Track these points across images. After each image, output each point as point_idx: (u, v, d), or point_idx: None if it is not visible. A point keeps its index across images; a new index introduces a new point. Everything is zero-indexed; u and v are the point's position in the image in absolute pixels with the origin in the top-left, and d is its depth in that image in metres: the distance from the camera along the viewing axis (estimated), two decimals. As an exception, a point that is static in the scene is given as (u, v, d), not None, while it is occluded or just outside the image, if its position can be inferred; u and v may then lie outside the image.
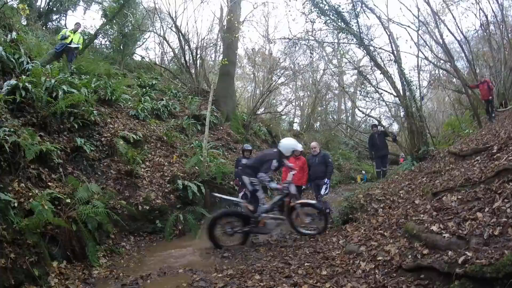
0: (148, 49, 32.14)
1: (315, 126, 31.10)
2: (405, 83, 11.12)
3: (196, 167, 10.42)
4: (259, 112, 22.27)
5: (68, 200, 6.17)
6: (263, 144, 18.83)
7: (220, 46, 22.02)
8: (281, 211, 7.19)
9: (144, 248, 7.47)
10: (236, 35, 18.77)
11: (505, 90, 17.87)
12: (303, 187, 9.39)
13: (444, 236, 4.06)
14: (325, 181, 8.90)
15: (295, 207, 7.12)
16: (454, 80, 20.83)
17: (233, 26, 18.62)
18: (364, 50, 12.95)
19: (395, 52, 12.23)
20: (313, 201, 7.57)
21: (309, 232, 7.27)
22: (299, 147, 7.42)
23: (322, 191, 8.84)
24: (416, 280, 3.79)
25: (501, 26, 19.17)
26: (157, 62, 23.70)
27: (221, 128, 16.04)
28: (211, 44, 22.70)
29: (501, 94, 17.80)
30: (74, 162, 7.77)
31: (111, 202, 7.50)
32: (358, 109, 28.90)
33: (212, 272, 5.40)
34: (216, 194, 8.05)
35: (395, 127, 26.50)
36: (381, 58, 12.56)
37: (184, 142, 12.45)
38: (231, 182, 10.85)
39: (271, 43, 27.12)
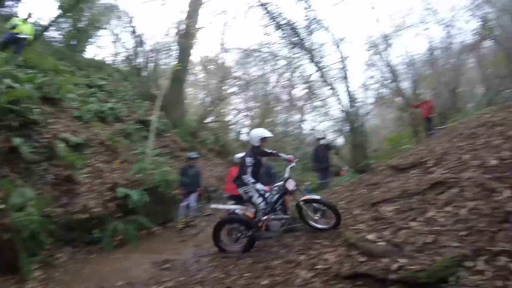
0: (101, 47, 30.94)
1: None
2: (350, 99, 11.52)
3: (139, 175, 10.02)
4: (208, 121, 22.11)
5: (3, 206, 5.74)
6: (210, 153, 18.62)
7: (174, 51, 21.65)
8: (284, 210, 6.86)
9: (81, 260, 7.07)
10: (192, 41, 18.54)
11: (445, 110, 19.13)
12: None
13: (380, 244, 4.20)
14: (269, 192, 8.91)
15: (300, 205, 6.64)
16: (398, 98, 21.88)
17: (190, 31, 18.37)
18: (315, 66, 13.28)
19: (344, 69, 12.65)
20: (318, 196, 7.26)
21: (324, 226, 6.53)
22: (267, 133, 7.16)
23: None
24: (354, 287, 3.86)
25: (445, 51, 20.71)
26: (109, 62, 22.85)
27: (168, 135, 15.60)
28: (166, 48, 22.28)
29: (441, 114, 19.10)
30: (9, 164, 7.23)
31: (47, 209, 7.04)
32: (305, 122, 29.50)
33: (152, 284, 5.23)
34: (212, 206, 7.76)
35: (340, 141, 27.25)
36: (331, 75, 12.95)
37: (128, 148, 11.98)
38: (175, 191, 10.55)
39: (226, 52, 27.18)
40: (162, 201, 9.64)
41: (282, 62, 20.73)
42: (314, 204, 6.67)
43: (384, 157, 15.68)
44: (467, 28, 22.22)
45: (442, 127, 15.46)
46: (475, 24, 21.62)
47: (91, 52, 21.79)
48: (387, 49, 20.14)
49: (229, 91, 25.09)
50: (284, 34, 12.86)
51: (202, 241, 8.31)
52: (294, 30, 12.65)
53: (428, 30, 21.51)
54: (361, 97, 22.55)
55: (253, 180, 6.53)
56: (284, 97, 28.78)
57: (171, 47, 21.43)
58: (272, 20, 12.80)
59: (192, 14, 18.82)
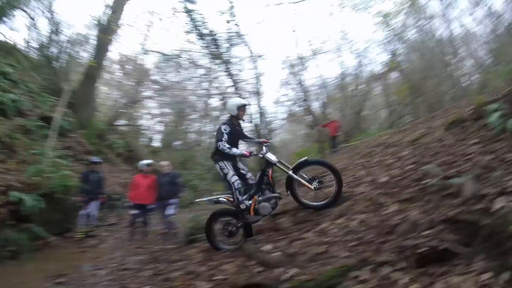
0: (14, 30, 27.81)
1: (176, 145, 30.80)
2: (261, 114, 11.83)
3: (37, 178, 9.02)
4: (118, 123, 21.18)
5: None
6: (117, 158, 17.77)
7: (92, 45, 20.24)
8: (271, 187, 5.97)
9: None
10: (112, 37, 17.66)
11: (349, 130, 20.76)
12: (151, 206, 9.06)
13: (275, 255, 4.32)
14: (174, 201, 8.79)
15: (291, 177, 5.81)
16: (308, 116, 23.04)
17: (112, 27, 17.42)
18: (230, 79, 13.46)
19: (258, 85, 12.99)
20: (316, 158, 6.56)
21: (319, 203, 5.72)
22: (244, 101, 6.67)
23: (170, 211, 8.71)
24: (248, 297, 3.91)
25: (355, 78, 22.89)
26: (20, 47, 20.58)
27: (73, 135, 14.42)
28: (83, 41, 20.78)
29: (346, 133, 20.60)
30: None
31: None
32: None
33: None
34: (199, 199, 7.06)
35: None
36: (245, 89, 13.21)
37: (28, 146, 10.88)
38: (76, 198, 9.68)
39: (146, 53, 26.23)
40: (61, 208, 8.86)
41: (201, 71, 20.82)
42: (305, 176, 5.81)
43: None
44: (377, 59, 24.58)
45: (346, 145, 16.70)
46: (385, 56, 23.68)
47: (2, 33, 19.07)
48: (303, 70, 21.27)
49: (144, 94, 24.33)
50: (205, 43, 12.88)
51: (102, 252, 7.90)
52: (215, 41, 12.73)
53: (342, 57, 23.53)
54: (273, 112, 23.47)
55: (228, 146, 5.83)
56: (200, 106, 28.63)
57: (89, 41, 20.15)
58: (195, 28, 12.77)
59: (116, 10, 17.91)
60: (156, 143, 30.21)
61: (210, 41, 13.29)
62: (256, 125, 12.14)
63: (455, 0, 19.29)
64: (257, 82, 13.32)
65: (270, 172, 5.87)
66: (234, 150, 5.85)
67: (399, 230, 3.27)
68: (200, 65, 17.74)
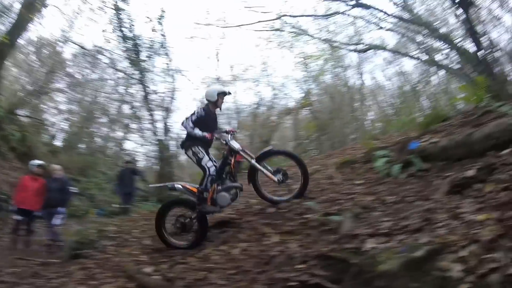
0: None
1: (79, 147, 28.78)
2: (166, 129, 11.62)
3: None
4: (20, 113, 19.11)
5: None
6: (11, 153, 15.87)
7: (10, 19, 18.06)
8: (233, 177, 5.57)
9: None
10: (34, 15, 15.76)
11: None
12: (37, 213, 8.24)
13: (155, 278, 4.14)
14: (61, 210, 8.15)
15: (254, 167, 5.44)
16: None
17: (36, 3, 15.65)
18: (143, 88, 13.09)
19: (170, 100, 12.78)
20: (282, 148, 5.93)
21: (282, 198, 5.39)
22: (226, 89, 6.08)
23: (56, 221, 8.03)
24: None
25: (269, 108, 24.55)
26: None
27: None
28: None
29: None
30: None
31: None
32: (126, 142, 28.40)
33: None
34: (151, 185, 6.08)
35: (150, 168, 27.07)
36: (156, 101, 12.92)
37: None
38: None
39: (66, 42, 24.16)
40: None
41: (119, 75, 19.97)
42: (269, 168, 5.45)
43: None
44: (292, 95, 25.93)
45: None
46: (299, 93, 25.09)
47: None
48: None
49: (55, 86, 22.38)
50: (126, 47, 12.41)
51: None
52: (136, 46, 12.32)
53: (259, 88, 24.68)
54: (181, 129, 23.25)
55: (192, 126, 5.43)
56: (112, 110, 27.17)
57: (8, 13, 18.08)
58: (119, 28, 12.26)
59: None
60: (58, 143, 27.95)
61: (132, 45, 12.83)
62: (159, 141, 11.83)
63: (371, 55, 21.19)
64: (170, 97, 13.09)
65: (232, 160, 5.53)
66: (197, 131, 5.46)
67: (275, 261, 3.30)
68: (118, 69, 16.96)
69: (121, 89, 23.71)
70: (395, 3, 13.18)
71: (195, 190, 5.48)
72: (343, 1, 14.14)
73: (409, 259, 2.40)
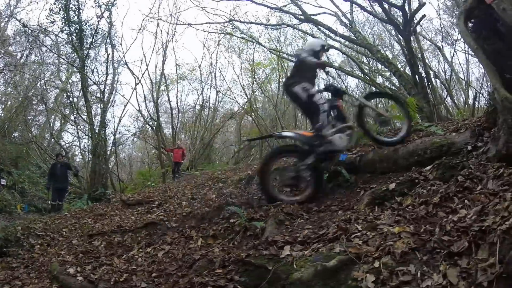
0: None
1: (13, 136, 26.86)
2: (102, 124, 11.29)
3: None
4: None
5: None
6: None
7: None
8: (343, 118, 5.15)
9: None
10: None
11: (195, 159, 21.28)
12: None
13: (78, 279, 4.02)
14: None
15: (361, 105, 5.12)
16: (159, 137, 22.99)
17: None
18: (80, 78, 12.58)
19: (110, 93, 12.40)
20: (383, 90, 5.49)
21: (393, 139, 5.11)
22: (328, 44, 5.68)
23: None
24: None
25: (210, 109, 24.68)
26: None
27: None
28: None
29: (192, 161, 20.98)
30: None
31: None
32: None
33: None
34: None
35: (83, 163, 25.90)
36: (94, 93, 12.48)
37: None
38: None
39: (10, 18, 22.35)
40: None
41: (60, 60, 19.02)
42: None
43: (131, 190, 15.81)
44: (237, 100, 26.20)
45: (189, 173, 16.97)
46: (244, 99, 25.53)
47: None
48: (164, 90, 21.33)
49: None
50: (69, 31, 11.85)
51: None
52: (81, 32, 11.82)
53: (206, 89, 25.13)
54: (125, 125, 22.66)
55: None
56: (51, 98, 25.63)
57: None
58: (65, 10, 11.66)
59: None
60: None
61: (76, 30, 12.26)
62: (95, 135, 11.43)
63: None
64: (111, 90, 12.66)
65: (339, 103, 5.18)
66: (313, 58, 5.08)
67: (197, 265, 3.32)
68: (59, 54, 16.14)
69: (61, 76, 22.69)
70: (343, 24, 13.66)
71: (309, 134, 5.03)
72: (293, 15, 14.43)
73: (322, 268, 2.47)
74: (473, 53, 3.89)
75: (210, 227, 4.35)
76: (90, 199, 10.27)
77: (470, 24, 3.97)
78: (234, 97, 26.09)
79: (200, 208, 5.44)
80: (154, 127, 20.99)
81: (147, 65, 22.42)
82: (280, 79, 24.70)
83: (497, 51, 3.64)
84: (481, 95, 12.84)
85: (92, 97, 13.27)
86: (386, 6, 10.54)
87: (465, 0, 4.08)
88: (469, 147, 4.00)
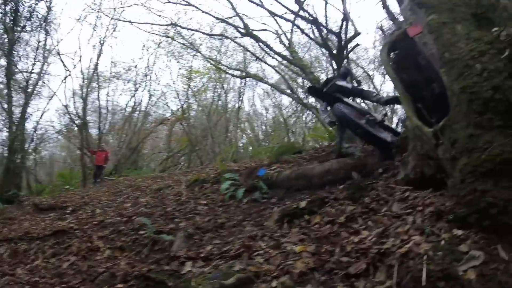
0: None
1: None
2: (20, 117, 10.55)
3: None
4: None
5: None
6: None
7: None
8: None
9: None
10: None
11: (119, 164, 20.79)
12: None
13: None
14: None
15: None
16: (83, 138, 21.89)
17: None
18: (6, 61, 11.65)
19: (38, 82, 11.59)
20: None
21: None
22: None
23: None
24: None
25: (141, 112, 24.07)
26: None
27: None
28: None
29: (116, 166, 20.15)
30: None
31: None
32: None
33: None
34: None
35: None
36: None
37: None
38: None
39: None
40: None
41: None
42: None
43: (48, 192, 14.81)
44: (170, 106, 25.62)
45: (111, 178, 16.22)
46: (177, 106, 25.19)
47: None
48: (96, 88, 20.40)
49: None
50: (4, 10, 10.94)
51: None
52: (16, 13, 10.97)
53: (139, 92, 24.80)
54: (51, 121, 21.33)
55: None
56: None
57: None
58: None
59: None
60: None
61: (11, 10, 11.32)
62: (17, 127, 10.59)
63: (253, 84, 23.10)
64: (38, 79, 11.81)
65: None
66: None
67: (100, 279, 3.12)
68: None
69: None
70: (282, 43, 13.96)
71: None
72: (236, 27, 14.50)
73: (219, 286, 2.41)
74: (392, 82, 4.09)
75: (119, 238, 4.15)
76: (0, 200, 9.41)
77: (392, 55, 4.16)
78: (167, 103, 25.55)
79: (113, 217, 5.18)
80: (79, 126, 19.80)
81: (80, 58, 20.90)
82: (216, 90, 24.73)
83: (415, 82, 3.86)
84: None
85: (15, 86, 12.24)
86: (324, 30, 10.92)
87: (391, 33, 4.28)
88: (381, 170, 4.18)
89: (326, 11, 14.24)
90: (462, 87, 3.01)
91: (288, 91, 16.94)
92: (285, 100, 26.25)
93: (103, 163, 15.33)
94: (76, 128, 21.19)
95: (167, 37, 18.93)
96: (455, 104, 3.09)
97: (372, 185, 3.82)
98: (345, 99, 5.14)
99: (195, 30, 17.17)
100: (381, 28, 6.75)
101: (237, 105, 26.20)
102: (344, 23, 10.67)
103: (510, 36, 2.88)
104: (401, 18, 4.88)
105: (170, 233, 3.92)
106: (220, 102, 26.09)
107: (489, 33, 3.16)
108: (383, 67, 4.64)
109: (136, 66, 24.10)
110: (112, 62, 24.37)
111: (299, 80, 18.14)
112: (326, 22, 11.55)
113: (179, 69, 24.30)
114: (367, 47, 23.61)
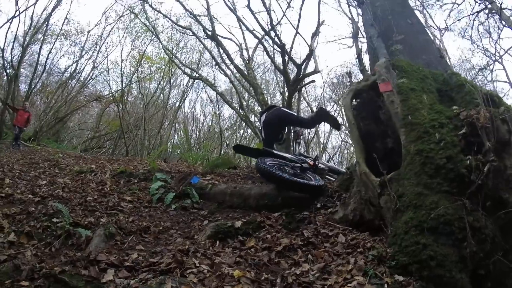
0: None
1: None
2: None
3: None
4: None
5: None
6: None
7: None
8: None
9: None
10: None
11: (40, 131, 19.18)
12: None
13: None
14: None
15: None
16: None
17: None
18: None
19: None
20: None
21: None
22: None
23: None
24: None
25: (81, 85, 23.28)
26: None
27: None
28: None
29: (35, 132, 18.61)
30: None
31: None
32: None
33: None
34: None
35: None
36: None
37: None
38: None
39: None
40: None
41: None
42: None
43: None
44: (110, 84, 24.31)
45: (28, 144, 14.88)
46: (116, 86, 24.12)
47: None
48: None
49: None
50: None
51: None
52: None
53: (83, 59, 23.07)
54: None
55: None
56: None
57: None
58: None
59: None
60: None
61: None
62: None
63: (201, 87, 23.22)
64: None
65: None
66: None
67: (1, 269, 2.56)
68: None
69: None
70: (242, 56, 13.90)
71: None
72: (204, 27, 14.29)
73: None
74: (348, 127, 4.28)
75: (28, 221, 3.49)
76: None
77: (354, 102, 4.32)
78: (109, 80, 24.18)
79: (24, 193, 4.49)
80: (10, 75, 17.64)
81: (36, 1, 18.74)
82: (162, 82, 23.90)
83: (370, 132, 4.06)
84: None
85: None
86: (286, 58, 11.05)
87: (358, 82, 4.39)
88: (319, 204, 4.19)
89: (293, 42, 14.47)
90: (418, 150, 3.33)
91: (236, 104, 16.83)
92: (226, 112, 26.18)
93: (23, 125, 13.88)
94: (5, 78, 19.13)
95: (132, 12, 18.12)
96: (408, 162, 3.37)
97: (310, 219, 3.85)
98: (275, 151, 5.41)
99: (164, 15, 16.62)
100: (349, 73, 6.98)
101: (178, 104, 25.68)
102: (307, 58, 10.88)
103: (469, 117, 3.25)
104: (369, 72, 5.05)
105: (88, 227, 3.46)
106: (162, 96, 25.40)
107: (449, 110, 3.56)
108: (343, 111, 4.80)
109: (89, 32, 22.58)
110: (66, 18, 22.36)
111: (246, 96, 18.25)
112: (290, 51, 11.69)
113: (132, 49, 23.13)
114: (316, 85, 24.79)
